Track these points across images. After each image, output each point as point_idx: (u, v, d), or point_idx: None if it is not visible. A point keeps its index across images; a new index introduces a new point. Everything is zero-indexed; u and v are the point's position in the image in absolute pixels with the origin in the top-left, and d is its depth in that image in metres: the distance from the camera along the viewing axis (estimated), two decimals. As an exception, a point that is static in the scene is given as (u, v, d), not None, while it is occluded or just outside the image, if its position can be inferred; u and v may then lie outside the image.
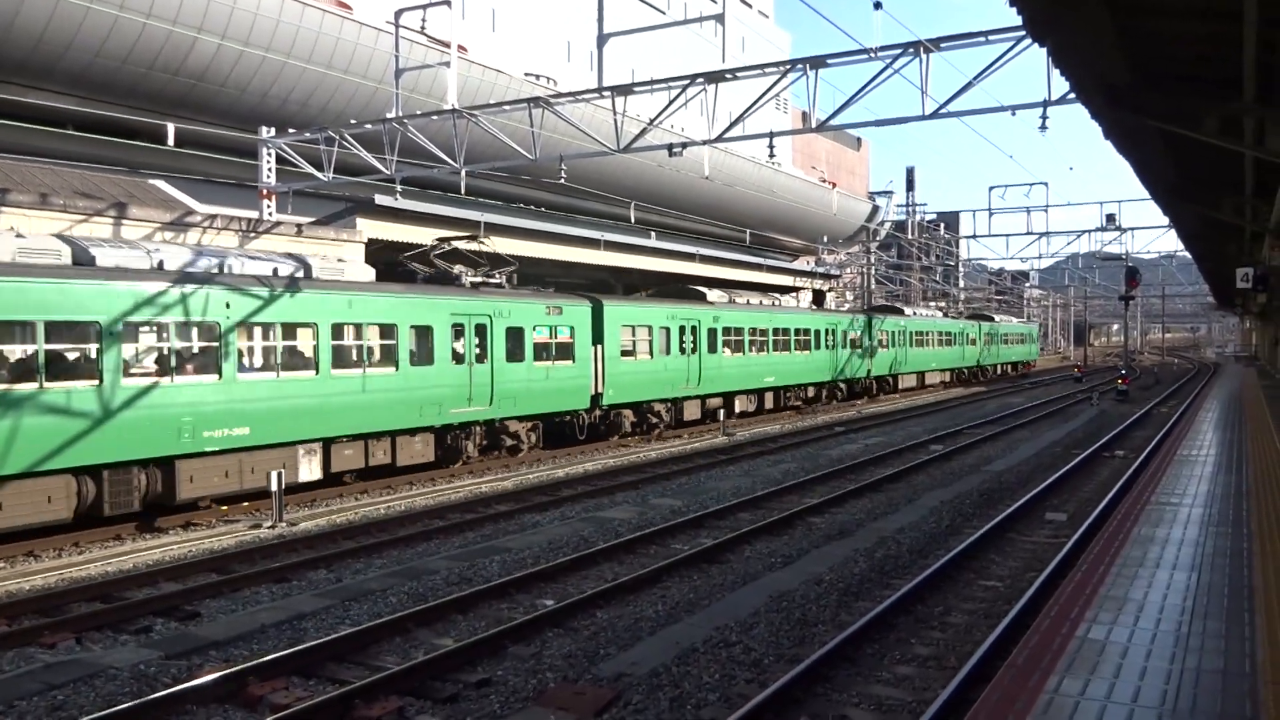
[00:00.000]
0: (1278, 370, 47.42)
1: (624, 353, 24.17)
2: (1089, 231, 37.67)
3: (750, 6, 55.42)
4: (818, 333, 34.67)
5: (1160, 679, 5.90)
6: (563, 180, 19.84)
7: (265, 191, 21.41)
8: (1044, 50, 9.61)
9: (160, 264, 14.58)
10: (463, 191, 26.53)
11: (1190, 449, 17.30)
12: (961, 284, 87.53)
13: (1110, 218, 35.64)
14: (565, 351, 22.05)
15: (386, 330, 17.66)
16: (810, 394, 35.17)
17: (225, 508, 15.40)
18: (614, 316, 23.83)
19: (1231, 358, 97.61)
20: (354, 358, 17.22)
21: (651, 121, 17.75)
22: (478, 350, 19.60)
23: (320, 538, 13.44)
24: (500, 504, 16.00)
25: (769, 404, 31.70)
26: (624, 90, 17.81)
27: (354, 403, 16.89)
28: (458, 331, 19.19)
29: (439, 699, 7.56)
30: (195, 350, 14.77)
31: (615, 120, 17.84)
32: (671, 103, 17.30)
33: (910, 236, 68.96)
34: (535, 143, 18.42)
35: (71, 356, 13.42)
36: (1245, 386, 39.16)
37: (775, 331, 31.55)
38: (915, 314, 47.14)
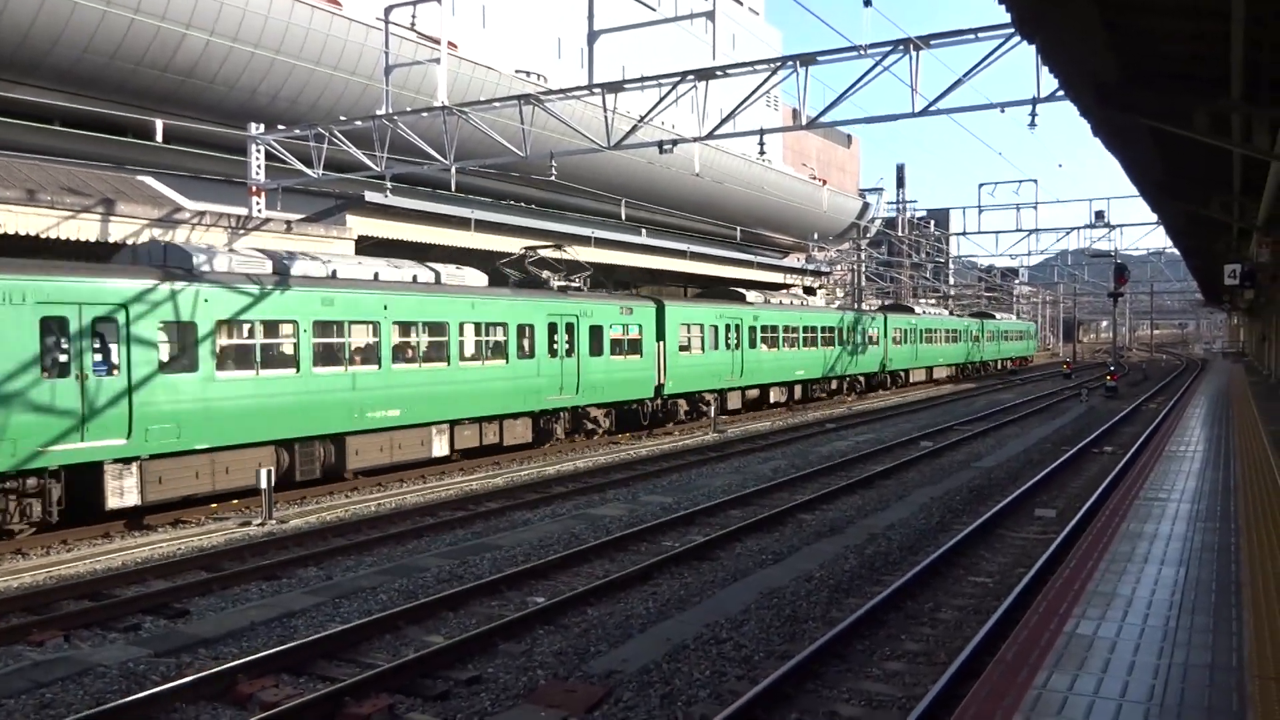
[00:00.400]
0: (1265, 366, 47.67)
1: (681, 348, 27.00)
2: (1078, 229, 37.84)
3: (741, 4, 55.42)
4: (840, 330, 37.55)
5: (1148, 674, 5.93)
6: (553, 177, 19.82)
7: (254, 188, 21.33)
8: (1033, 48, 9.63)
9: (334, 273, 17.55)
10: (453, 188, 26.47)
11: (1178, 445, 17.39)
12: (951, 281, 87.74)
13: (1099, 215, 35.80)
14: (635, 347, 24.96)
15: (500, 329, 20.51)
16: (834, 386, 37.97)
17: (215, 505, 15.36)
18: (674, 316, 26.70)
19: (1219, 354, 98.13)
20: (476, 352, 19.99)
21: (642, 119, 17.73)
22: (567, 346, 22.30)
23: (310, 535, 13.41)
24: (491, 501, 15.99)
25: (797, 395, 34.53)
26: (614, 87, 17.80)
27: (475, 390, 19.69)
28: (552, 330, 21.91)
29: (429, 696, 7.55)
30: (363, 344, 17.51)
31: (606, 117, 17.82)
32: (662, 100, 17.29)
33: (900, 234, 69.13)
34: (526, 140, 18.39)
35: (279, 350, 16.21)
36: (1233, 383, 39.36)
37: (805, 329, 34.36)
38: (924, 313, 49.88)
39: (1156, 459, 15.56)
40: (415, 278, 19.11)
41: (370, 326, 17.49)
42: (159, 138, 24.72)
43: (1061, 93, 11.40)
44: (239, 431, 15.13)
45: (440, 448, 18.91)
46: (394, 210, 24.22)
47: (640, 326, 25.07)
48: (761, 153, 18.20)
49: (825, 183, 59.37)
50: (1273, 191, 14.59)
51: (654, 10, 42.90)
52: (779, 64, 16.70)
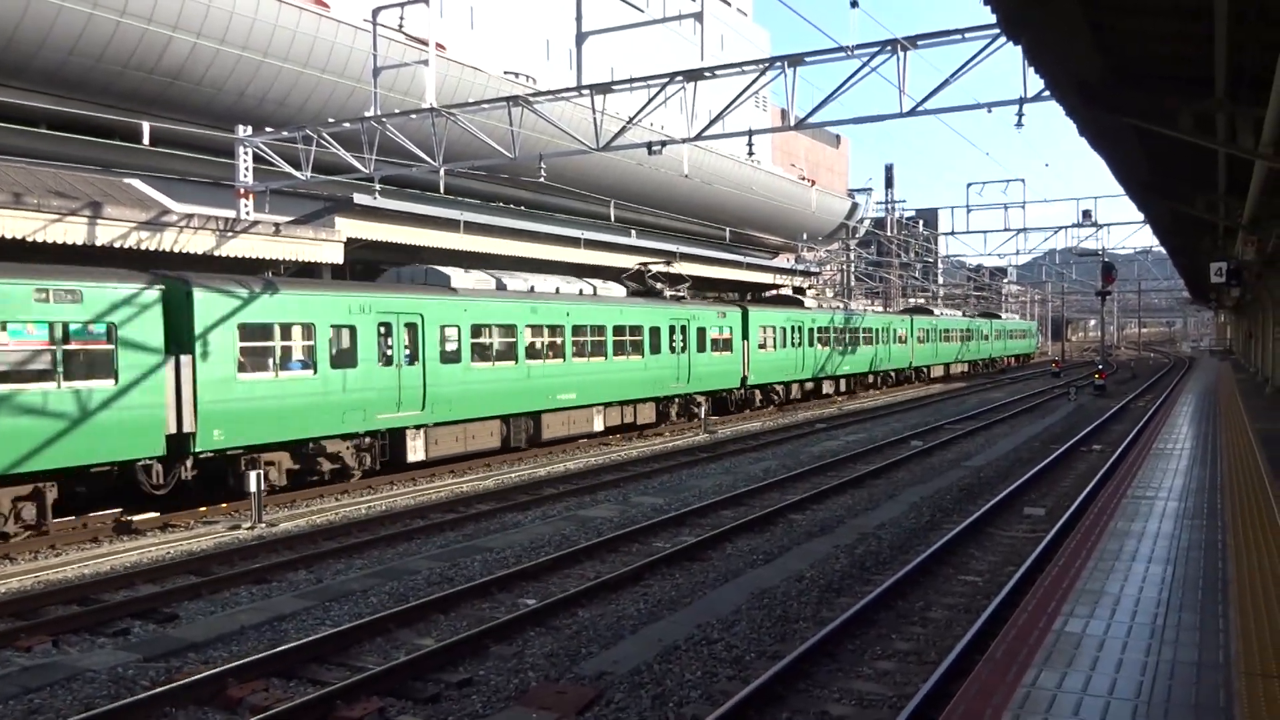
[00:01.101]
0: (1251, 364, 47.94)
1: (760, 346, 31.92)
2: (1065, 228, 37.96)
3: (729, 4, 55.51)
4: (878, 330, 42.98)
5: (1136, 671, 5.96)
6: (542, 179, 19.79)
7: (242, 191, 21.24)
8: (1019, 48, 9.67)
9: (532, 288, 22.71)
10: (442, 190, 26.44)
11: (1166, 443, 17.48)
12: (940, 280, 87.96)
13: (1086, 214, 35.94)
14: (727, 345, 30.07)
15: (637, 330, 25.34)
16: (870, 380, 43.30)
17: (204, 509, 15.30)
18: (755, 319, 31.71)
19: (1206, 352, 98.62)
20: (621, 350, 24.75)
21: (631, 120, 17.72)
22: (682, 344, 27.37)
23: (300, 538, 13.38)
24: (482, 503, 15.98)
25: (842, 387, 40.02)
26: (603, 89, 17.79)
27: (621, 380, 24.63)
28: (672, 331, 26.85)
29: (420, 699, 7.55)
30: (555, 343, 22.46)
31: (594, 119, 17.81)
32: (650, 101, 17.28)
33: (889, 233, 69.30)
34: (515, 141, 18.37)
35: (504, 347, 21.03)
36: (1220, 380, 39.57)
37: (847, 329, 39.80)
38: (942, 314, 55.88)
39: (1144, 457, 15.64)
40: (581, 291, 24.33)
41: (559, 329, 22.50)
42: (146, 140, 24.62)
43: (1048, 93, 11.45)
44: (482, 408, 20.19)
45: (599, 424, 23.95)
46: (383, 212, 24.18)
47: (730, 328, 30.27)
48: (750, 153, 18.23)
49: (814, 183, 59.49)
50: (1257, 190, 14.68)
51: (642, 11, 42.95)
52: (767, 65, 16.72)
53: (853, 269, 61.03)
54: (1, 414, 12.49)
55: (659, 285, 29.06)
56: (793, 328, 34.16)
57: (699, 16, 21.49)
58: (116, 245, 17.90)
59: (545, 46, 40.75)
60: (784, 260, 53.27)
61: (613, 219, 38.30)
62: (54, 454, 12.91)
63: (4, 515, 12.79)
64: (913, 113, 15.66)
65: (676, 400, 27.52)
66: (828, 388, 37.98)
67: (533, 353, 21.69)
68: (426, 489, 17.44)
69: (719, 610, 9.63)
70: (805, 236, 54.21)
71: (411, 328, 18.43)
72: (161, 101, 24.70)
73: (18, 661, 8.48)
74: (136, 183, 22.28)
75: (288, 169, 20.82)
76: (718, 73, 17.11)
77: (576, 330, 23.09)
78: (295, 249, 20.95)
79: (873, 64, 15.51)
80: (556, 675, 7.95)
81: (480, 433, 20.14)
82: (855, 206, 65.87)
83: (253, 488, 14.19)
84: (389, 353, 18.01)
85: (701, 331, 28.47)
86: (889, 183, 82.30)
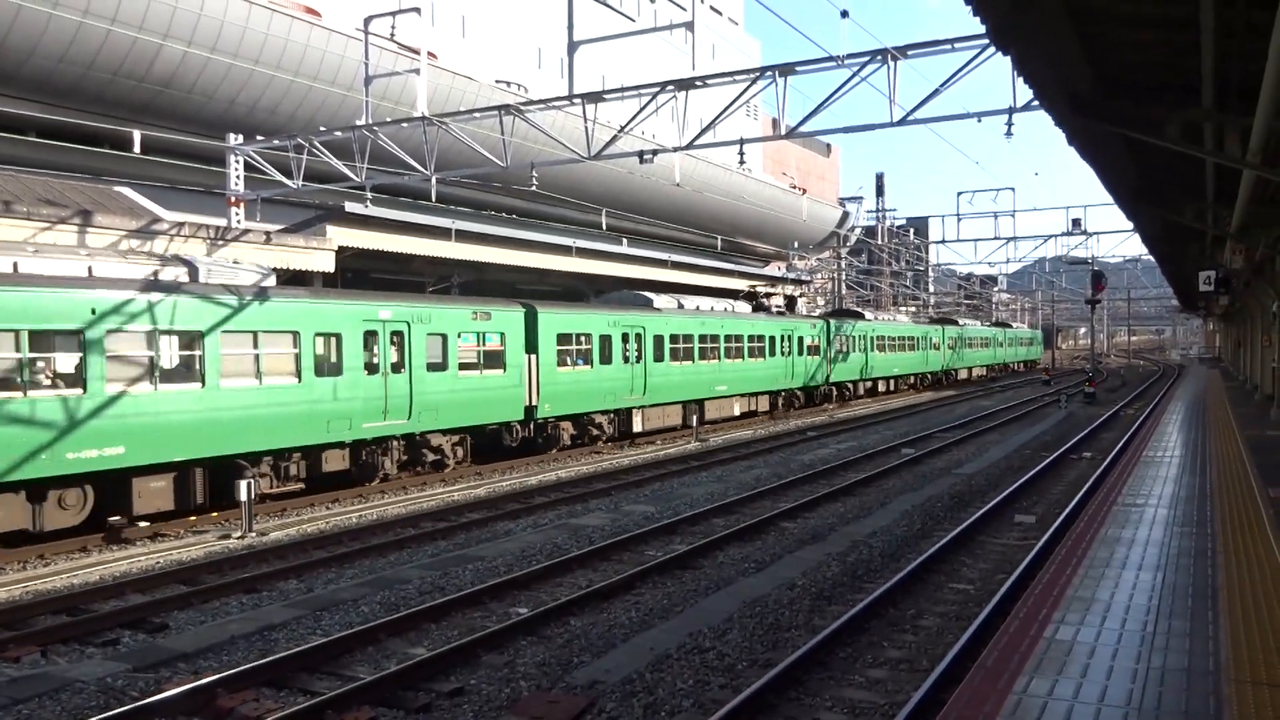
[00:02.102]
0: (1240, 372, 48.17)
1: (837, 350, 39.07)
2: (1055, 236, 38.11)
3: (720, 14, 55.70)
4: (916, 339, 49.27)
5: (1126, 678, 5.98)
6: (534, 187, 19.83)
7: (233, 199, 21.23)
8: (1008, 58, 9.72)
9: (697, 307, 29.82)
10: (434, 199, 26.46)
11: (1156, 451, 17.54)
12: (931, 289, 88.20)
13: (1076, 222, 36.05)
14: (815, 350, 37.01)
15: (761, 338, 32.30)
16: (911, 381, 49.96)
17: (194, 518, 15.24)
18: (834, 329, 38.48)
19: (1196, 360, 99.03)
20: (754, 354, 31.73)
21: (622, 128, 17.78)
22: (785, 348, 34.13)
23: (291, 547, 13.33)
24: (473, 512, 15.95)
25: (892, 386, 46.90)
26: (595, 97, 17.84)
27: (753, 376, 31.93)
28: (783, 339, 33.87)
29: (412, 708, 7.52)
30: (714, 348, 29.34)
31: (586, 127, 17.86)
32: (642, 110, 17.34)
33: (880, 242, 69.51)
34: (506, 150, 18.41)
35: (684, 350, 27.83)
36: (1209, 388, 39.74)
37: (898, 338, 46.76)
38: (965, 324, 62.66)
39: (1134, 464, 15.69)
40: (726, 309, 31.67)
41: (716, 338, 29.44)
42: (137, 148, 24.59)
43: (1037, 102, 11.52)
44: (674, 395, 27.14)
45: (737, 410, 30.94)
46: (374, 221, 24.17)
47: (819, 337, 37.39)
48: (741, 162, 18.28)
49: (805, 192, 59.64)
50: (1245, 199, 14.78)
51: (634, 21, 43.09)
52: (758, 74, 16.80)
53: (844, 277, 61.17)
54: (459, 390, 19.58)
55: (771, 303, 38.85)
56: (859, 336, 41.68)
57: (690, 26, 21.61)
58: (106, 254, 17.84)
59: (537, 55, 40.84)
60: (775, 268, 53.36)
61: (604, 227, 38.34)
62: (480, 415, 20.31)
63: (449, 453, 19.91)
64: (903, 122, 15.75)
65: (783, 394, 35.05)
66: (882, 386, 45.89)
67: (700, 355, 28.66)
68: (418, 498, 17.40)
69: (711, 618, 9.62)
70: (796, 245, 54.33)
71: (638, 337, 25.60)
72: (152, 109, 24.67)
73: (6, 672, 8.42)
74: (127, 191, 22.24)
75: (279, 177, 20.82)
76: (709, 82, 17.17)
77: (727, 339, 29.98)
78: (286, 257, 20.93)
79: (863, 74, 15.60)
80: (548, 684, 7.93)
81: (672, 413, 27.32)
82: (846, 215, 66.04)
83: (242, 496, 14.14)
84: (627, 354, 25.09)
85: (801, 339, 35.61)
86: (880, 191, 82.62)
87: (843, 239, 62.25)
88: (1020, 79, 9.92)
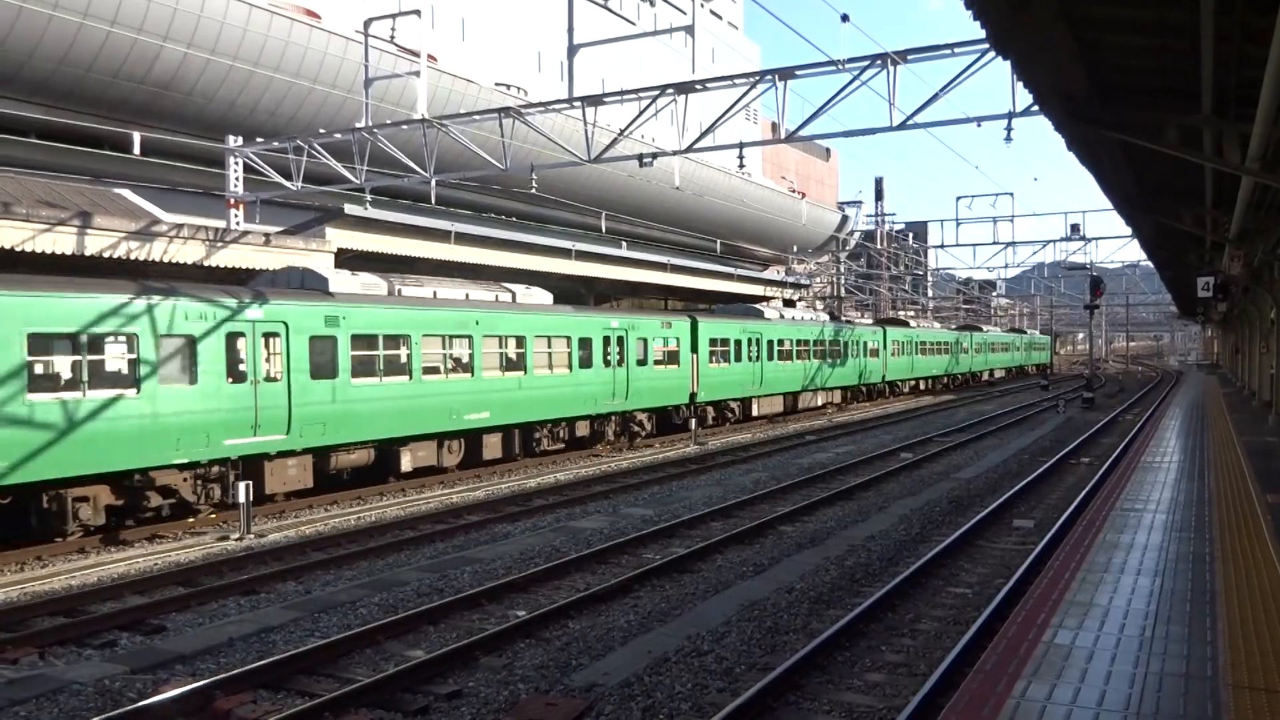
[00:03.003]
0: (1238, 378, 48.22)
1: (892, 354, 45.51)
2: (1054, 241, 38.14)
3: (720, 18, 55.77)
4: (948, 344, 54.90)
5: (1124, 683, 5.98)
6: (534, 190, 19.83)
7: (233, 201, 21.23)
8: (1008, 63, 9.74)
9: (793, 318, 36.18)
10: (433, 201, 26.45)
11: (1154, 456, 17.55)
12: (930, 293, 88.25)
13: (1075, 228, 36.10)
14: (876, 353, 43.43)
15: (838, 342, 38.80)
16: (945, 382, 55.43)
17: (192, 520, 15.23)
18: (890, 335, 45.01)
19: (1194, 365, 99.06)
20: (834, 355, 38.37)
21: (622, 132, 17.79)
22: (855, 351, 40.76)
23: (289, 549, 13.32)
24: (471, 514, 15.95)
25: (923, 386, 52.46)
26: (594, 100, 17.86)
27: (835, 373, 38.59)
28: (851, 344, 40.32)
29: (409, 711, 7.51)
30: (808, 350, 35.83)
31: (586, 130, 17.87)
32: (642, 113, 17.36)
33: (879, 246, 69.54)
34: (506, 153, 18.42)
35: (798, 352, 34.89)
36: (1207, 394, 39.77)
37: (939, 343, 53.35)
38: (988, 330, 70.44)
39: (1133, 470, 15.70)
40: (811, 319, 37.77)
41: (809, 342, 35.98)
42: (136, 150, 24.59)
43: (1036, 107, 11.53)
44: (778, 387, 33.83)
45: (821, 400, 38.23)
46: (374, 223, 24.17)
47: (879, 342, 43.65)
48: (741, 166, 18.30)
49: (804, 196, 59.70)
50: (1244, 205, 14.80)
51: (634, 24, 43.14)
52: (758, 78, 16.82)
53: (843, 281, 61.21)
54: (654, 380, 26.27)
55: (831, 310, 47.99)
56: (907, 340, 47.89)
57: (690, 30, 21.60)
58: (105, 255, 17.86)
59: (537, 58, 40.88)
60: (774, 272, 53.40)
61: (604, 230, 38.36)
62: (664, 398, 27.00)
63: (646, 425, 26.71)
64: (903, 126, 15.76)
65: (875, 385, 43.35)
66: (922, 385, 52.07)
67: (796, 356, 34.96)
68: (416, 499, 17.39)
69: (709, 622, 9.62)
70: (795, 249, 54.38)
71: (756, 342, 32.00)
72: (152, 111, 24.68)
73: (3, 674, 8.42)
74: (126, 193, 22.25)
75: (278, 179, 20.82)
76: (709, 85, 17.19)
77: (816, 342, 36.64)
78: (286, 259, 20.93)
79: (863, 78, 15.61)
80: (546, 687, 7.93)
81: (777, 402, 33.96)
82: (845, 219, 66.10)
83: (241, 498, 14.14)
84: (752, 355, 31.75)
85: (864, 344, 41.71)
86: (879, 195, 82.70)
87: (842, 243, 62.32)
88: (1020, 84, 9.94)
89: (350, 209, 23.50)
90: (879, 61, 15.43)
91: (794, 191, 59.42)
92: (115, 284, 14.23)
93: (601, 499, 17.37)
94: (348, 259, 23.19)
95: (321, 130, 21.42)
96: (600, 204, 37.55)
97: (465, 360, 19.73)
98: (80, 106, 23.23)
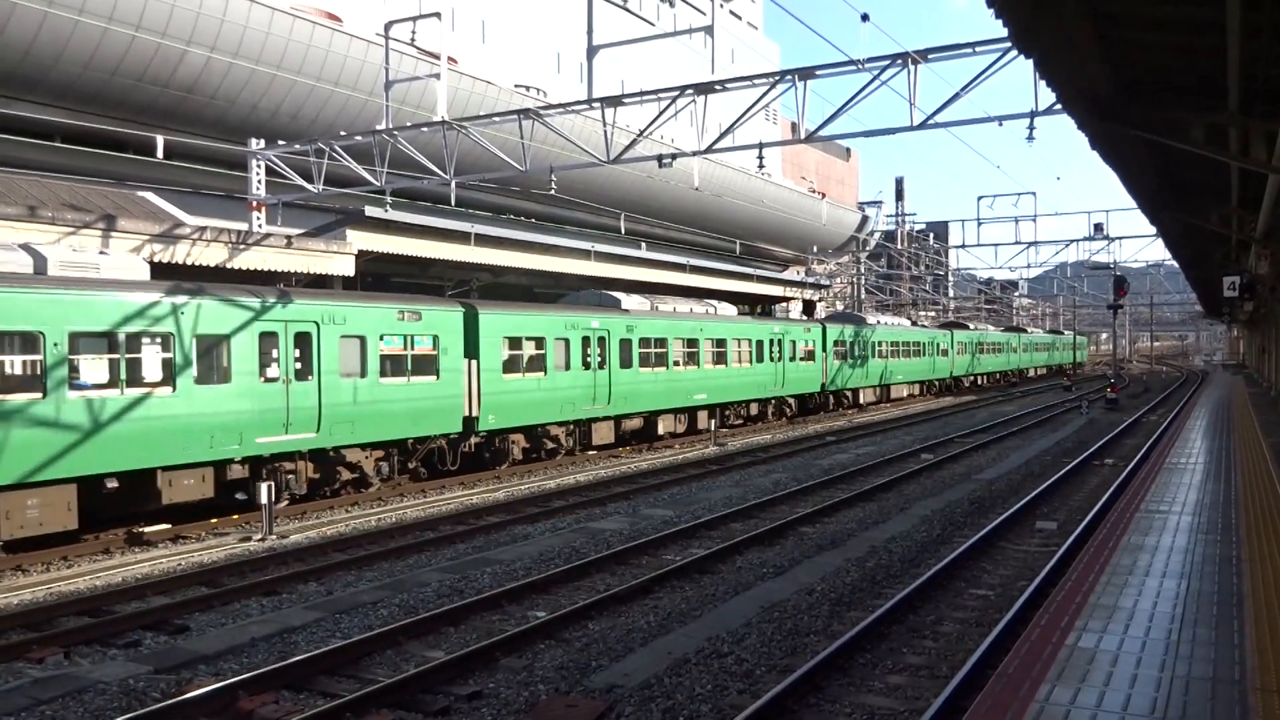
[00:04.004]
0: (1265, 378, 47.68)
1: (958, 353, 51.72)
2: (1077, 241, 37.84)
3: (739, 18, 55.66)
4: (1001, 344, 61.66)
5: (1150, 687, 5.92)
6: (553, 191, 19.85)
7: (255, 203, 21.37)
8: (1030, 61, 9.66)
9: (867, 320, 41.87)
10: (453, 203, 26.53)
11: (1179, 457, 17.38)
12: (951, 293, 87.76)
13: (1098, 227, 35.79)
14: (945, 352, 49.41)
15: (919, 343, 45.35)
16: (985, 380, 60.55)
17: (215, 520, 15.34)
18: (956, 338, 51.14)
19: (1219, 366, 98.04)
20: (915, 353, 45.04)
21: (641, 133, 17.78)
22: (934, 351, 47.62)
23: (310, 550, 13.39)
24: (491, 515, 15.98)
25: (980, 381, 58.75)
26: (613, 101, 17.85)
27: (916, 368, 45.12)
28: (929, 345, 46.74)
29: (430, 712, 7.53)
30: (896, 350, 42.06)
31: (605, 131, 17.87)
32: (661, 114, 17.34)
33: (900, 246, 69.23)
34: (525, 154, 18.45)
35: (893, 352, 42.20)
36: (1233, 394, 39.35)
37: (989, 343, 58.81)
38: (1031, 331, 78.08)
39: (1157, 471, 15.55)
40: (898, 323, 44.32)
41: (896, 343, 42.18)
42: (160, 153, 24.77)
43: (1059, 106, 11.44)
44: (871, 380, 39.55)
45: (906, 392, 44.88)
46: (394, 225, 24.25)
47: (949, 343, 49.58)
48: (761, 166, 18.25)
49: (824, 196, 59.50)
50: (1271, 204, 14.63)
51: (653, 25, 43.12)
52: (778, 78, 16.76)
53: (863, 282, 60.97)
54: (796, 373, 32.62)
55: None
56: (967, 342, 52.74)
57: (710, 30, 21.55)
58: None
59: (556, 60, 40.93)
60: (794, 273, 53.24)
61: (623, 231, 38.36)
62: (803, 386, 33.03)
63: (791, 406, 32.28)
64: (923, 126, 15.68)
65: (935, 382, 48.46)
66: (981, 380, 58.99)
67: (891, 354, 41.73)
68: (435, 500, 17.45)
69: (729, 623, 9.60)
70: (815, 249, 54.19)
71: (865, 343, 38.74)
72: (176, 115, 24.89)
73: (29, 673, 8.50)
74: (150, 195, 22.44)
75: (300, 182, 20.94)
76: (728, 86, 17.15)
77: (903, 343, 43.16)
78: (307, 261, 21.05)
79: (883, 77, 15.53)
80: (566, 688, 7.93)
81: (873, 393, 41.10)
82: (865, 219, 65.83)
83: (263, 499, 14.22)
84: (862, 353, 38.25)
85: (938, 344, 48.00)
86: (899, 195, 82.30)
87: (862, 243, 62.07)
88: (1042, 82, 9.86)
89: (371, 211, 23.59)
90: (899, 61, 15.35)
91: (814, 192, 59.25)
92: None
93: (621, 500, 17.37)
94: (368, 261, 23.29)
95: (342, 133, 21.53)
96: (619, 205, 37.56)
97: (694, 356, 27.08)
98: (105, 110, 23.46)
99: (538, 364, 21.31)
